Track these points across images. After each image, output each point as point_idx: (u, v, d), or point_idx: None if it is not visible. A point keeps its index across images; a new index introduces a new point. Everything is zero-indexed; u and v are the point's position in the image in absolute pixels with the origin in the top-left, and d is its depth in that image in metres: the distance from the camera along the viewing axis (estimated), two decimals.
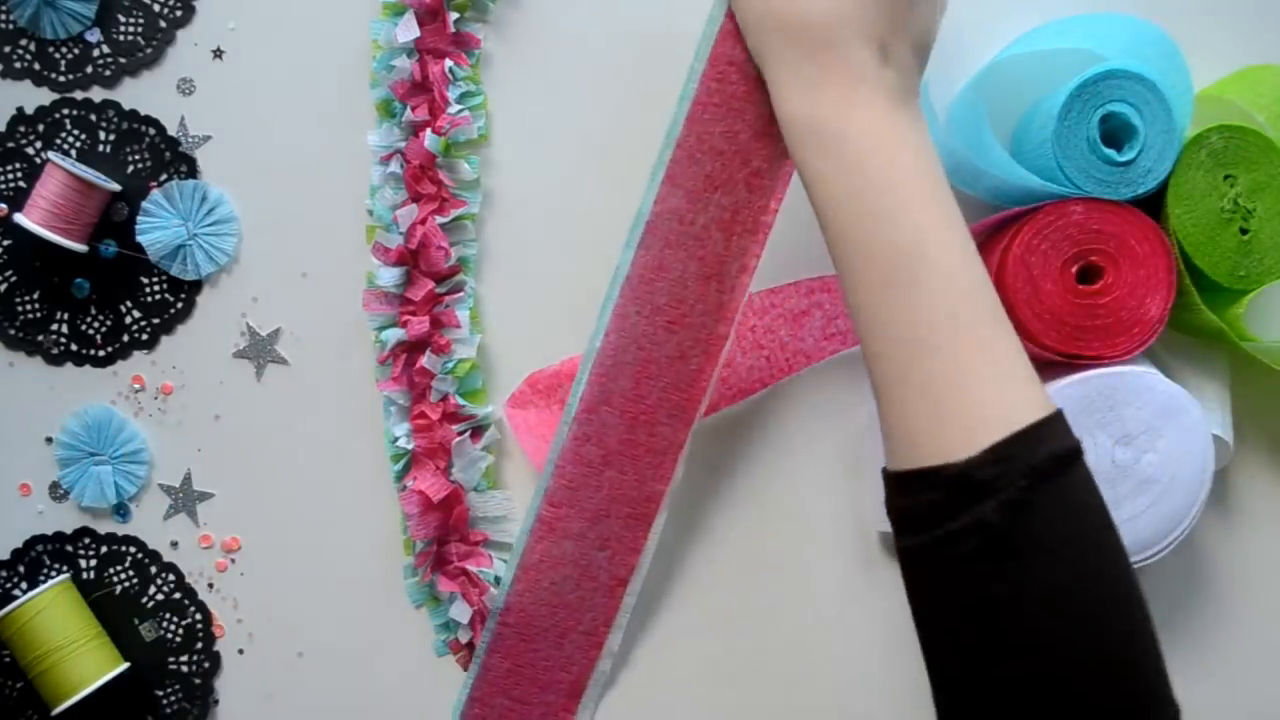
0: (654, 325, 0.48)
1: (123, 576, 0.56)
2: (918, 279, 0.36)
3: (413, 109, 0.53)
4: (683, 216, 0.46)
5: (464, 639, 0.55)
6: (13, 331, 0.56)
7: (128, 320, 0.56)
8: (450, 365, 0.54)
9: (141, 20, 0.55)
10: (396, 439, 0.54)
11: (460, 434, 0.54)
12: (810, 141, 0.38)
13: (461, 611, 0.54)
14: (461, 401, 0.54)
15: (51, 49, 0.55)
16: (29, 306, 0.56)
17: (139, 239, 0.55)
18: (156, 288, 0.56)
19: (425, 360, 0.53)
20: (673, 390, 0.49)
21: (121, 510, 0.56)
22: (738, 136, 0.45)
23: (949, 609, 0.35)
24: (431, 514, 0.53)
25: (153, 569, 0.56)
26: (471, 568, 0.54)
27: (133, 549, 0.56)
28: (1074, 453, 0.35)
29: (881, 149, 0.37)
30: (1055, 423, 0.35)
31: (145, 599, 0.56)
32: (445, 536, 0.54)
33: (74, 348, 0.56)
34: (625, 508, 0.51)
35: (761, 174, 0.46)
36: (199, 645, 0.56)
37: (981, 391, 0.35)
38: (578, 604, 0.52)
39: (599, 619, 0.52)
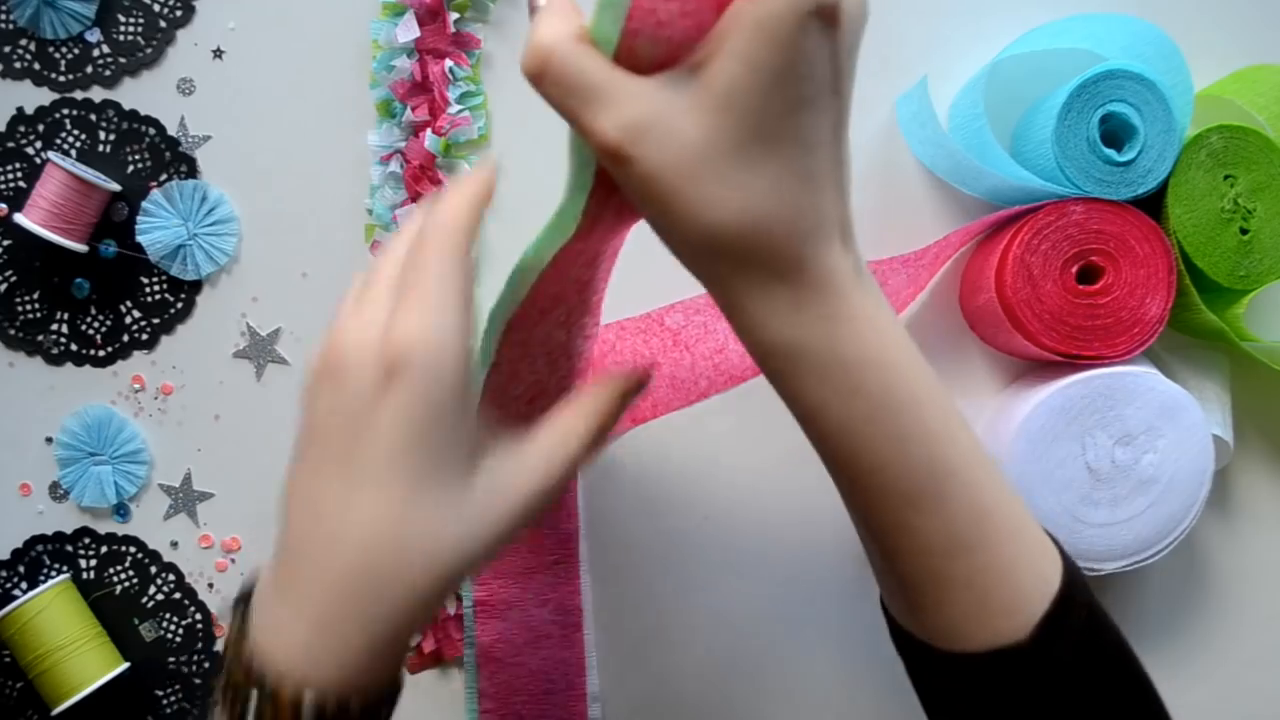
0: (519, 406, 0.46)
1: (123, 576, 0.56)
2: (944, 491, 0.33)
3: (413, 109, 0.53)
4: (524, 341, 0.45)
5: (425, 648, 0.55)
6: (13, 331, 0.56)
7: (128, 320, 0.56)
8: None
9: (141, 20, 0.55)
10: None
11: None
12: (802, 371, 0.33)
13: None
14: None
15: (51, 49, 0.55)
16: (29, 306, 0.56)
17: (139, 239, 0.55)
18: (156, 288, 0.56)
19: None
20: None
21: (121, 510, 0.56)
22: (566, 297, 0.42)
23: None
24: None
25: (153, 569, 0.56)
26: None
27: (133, 549, 0.56)
28: (1089, 593, 0.36)
29: (879, 362, 0.32)
30: (1072, 571, 0.35)
31: (145, 599, 0.56)
32: None
33: (74, 348, 0.56)
34: (547, 556, 0.51)
35: (589, 284, 0.42)
36: (199, 645, 0.56)
37: (1021, 575, 0.34)
38: (545, 666, 0.52)
39: (572, 670, 0.53)
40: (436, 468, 0.32)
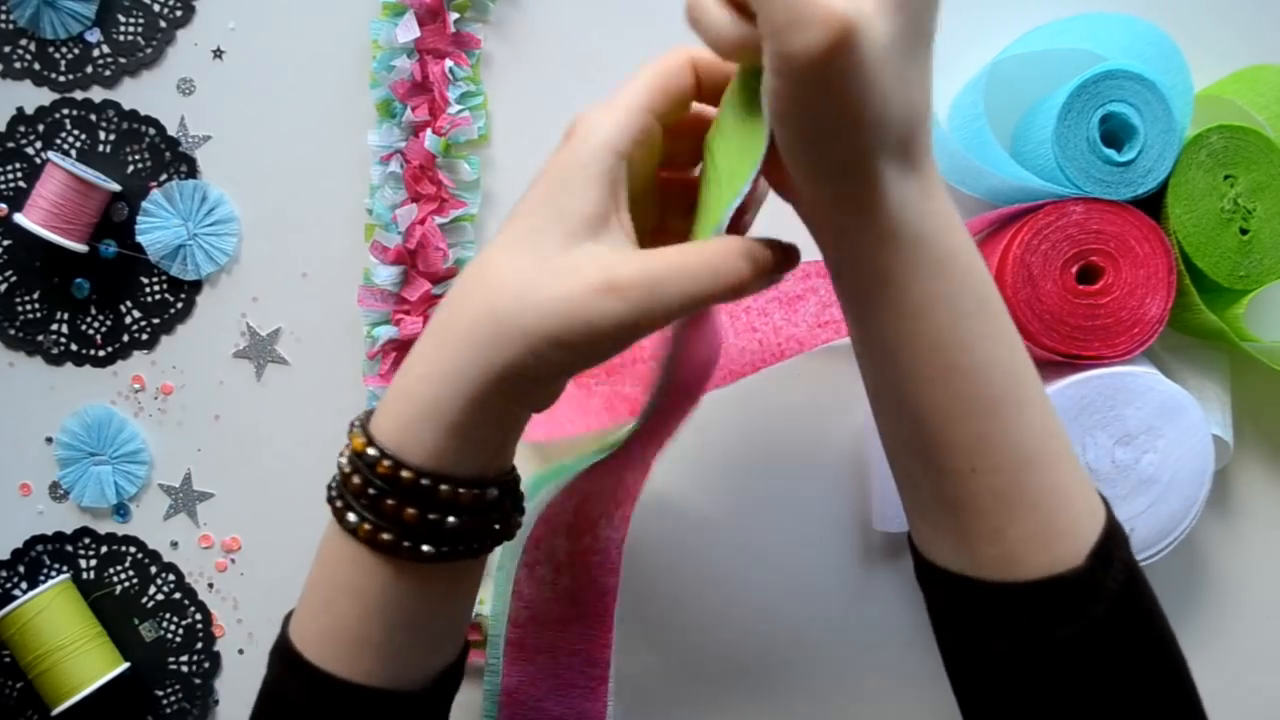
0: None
1: (123, 576, 0.56)
2: (1022, 399, 0.34)
3: (413, 109, 0.53)
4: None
5: None
6: (13, 331, 0.56)
7: (128, 320, 0.56)
8: None
9: (141, 20, 0.55)
10: None
11: None
12: (924, 261, 0.33)
13: None
14: None
15: (51, 49, 0.55)
16: (29, 306, 0.56)
17: (139, 239, 0.55)
18: (156, 288, 0.56)
19: None
20: (607, 498, 0.49)
21: (121, 510, 0.56)
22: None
23: (1049, 709, 0.35)
24: None
25: (153, 569, 0.56)
26: None
27: (133, 549, 0.56)
28: (1123, 530, 0.37)
29: (977, 260, 0.34)
30: (1107, 500, 0.37)
31: (145, 599, 0.56)
32: None
33: (74, 348, 0.56)
34: (585, 609, 0.51)
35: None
36: (199, 645, 0.56)
37: (1078, 497, 0.35)
38: (568, 715, 0.52)
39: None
40: (553, 220, 0.34)
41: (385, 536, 0.34)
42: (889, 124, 0.32)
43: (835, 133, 0.32)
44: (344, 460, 0.35)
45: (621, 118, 0.35)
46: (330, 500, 0.36)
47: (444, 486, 0.34)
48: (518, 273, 0.33)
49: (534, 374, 0.33)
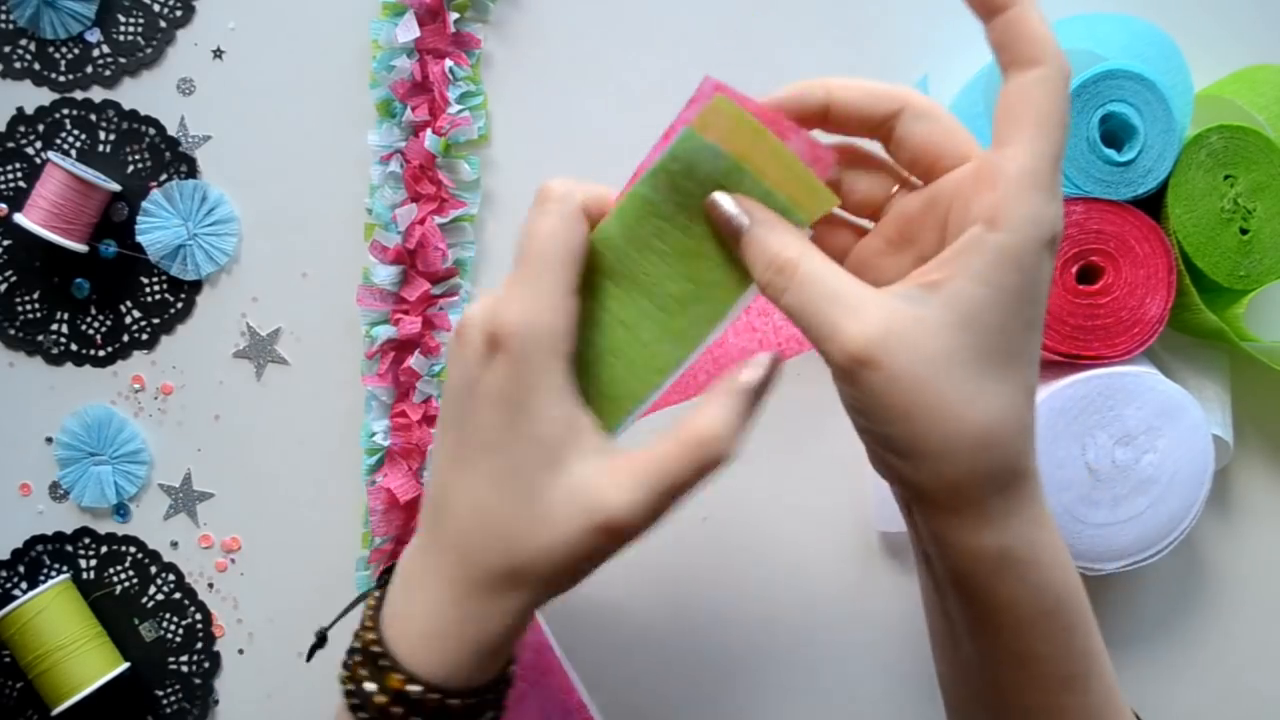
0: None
1: (123, 576, 0.56)
2: (1091, 672, 0.36)
3: (413, 109, 0.53)
4: None
5: None
6: (13, 331, 0.56)
7: (128, 320, 0.56)
8: (438, 369, 0.54)
9: (141, 20, 0.55)
10: (373, 434, 0.54)
11: None
12: (1004, 573, 0.33)
13: None
14: None
15: (51, 49, 0.55)
16: (29, 306, 0.56)
17: (139, 239, 0.55)
18: (156, 288, 0.56)
19: (413, 360, 0.53)
20: None
21: (121, 510, 0.56)
22: None
23: None
24: (395, 513, 0.54)
25: (153, 569, 0.56)
26: None
27: (133, 549, 0.56)
28: None
29: (1062, 561, 0.34)
30: None
31: (145, 599, 0.56)
32: (405, 537, 0.54)
33: (74, 348, 0.56)
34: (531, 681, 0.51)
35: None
36: (199, 645, 0.56)
37: None
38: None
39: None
40: (529, 454, 0.33)
41: None
42: (958, 443, 0.31)
43: (891, 441, 0.32)
44: (385, 694, 0.34)
45: (552, 319, 0.33)
46: (357, 712, 0.35)
47: (455, 700, 0.34)
48: (517, 520, 0.33)
49: (545, 598, 0.34)
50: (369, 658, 0.35)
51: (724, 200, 0.33)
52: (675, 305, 0.34)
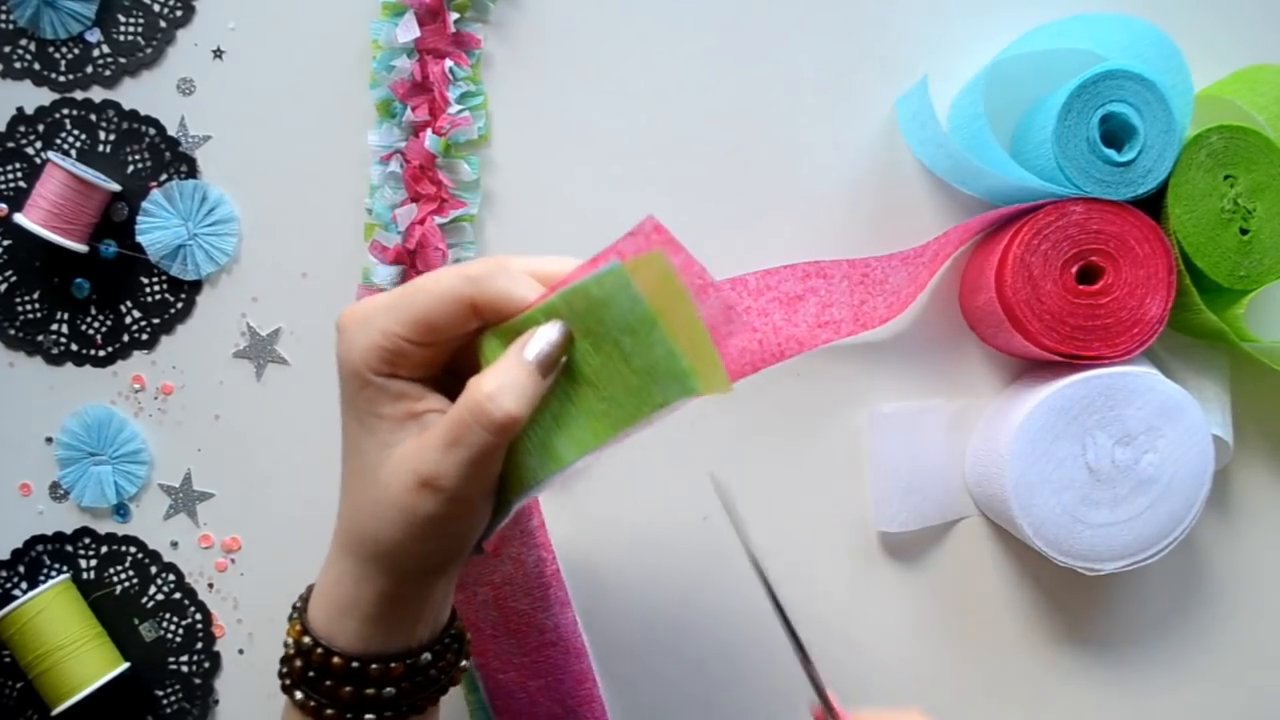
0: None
1: (123, 576, 0.56)
2: None
3: (413, 109, 0.53)
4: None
5: None
6: (13, 331, 0.56)
7: (128, 320, 0.56)
8: None
9: (141, 20, 0.55)
10: None
11: None
12: None
13: None
14: None
15: (51, 49, 0.55)
16: (29, 306, 0.56)
17: (139, 239, 0.55)
18: (156, 288, 0.56)
19: None
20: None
21: (121, 510, 0.56)
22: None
23: None
24: None
25: (153, 569, 0.56)
26: None
27: (133, 549, 0.56)
28: None
29: None
30: None
31: (145, 599, 0.56)
32: None
33: (74, 348, 0.56)
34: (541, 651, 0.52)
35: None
36: (199, 645, 0.56)
37: None
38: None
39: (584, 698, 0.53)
40: (366, 433, 0.37)
41: (329, 712, 0.38)
42: None
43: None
44: (289, 642, 0.39)
45: (369, 339, 0.36)
46: (280, 676, 0.39)
47: (374, 666, 0.37)
48: (359, 489, 0.37)
49: (412, 567, 0.37)
50: (293, 610, 0.40)
51: None
52: (552, 422, 0.36)
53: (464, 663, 0.42)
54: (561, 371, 0.36)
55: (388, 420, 0.37)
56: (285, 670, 0.39)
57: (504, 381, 0.35)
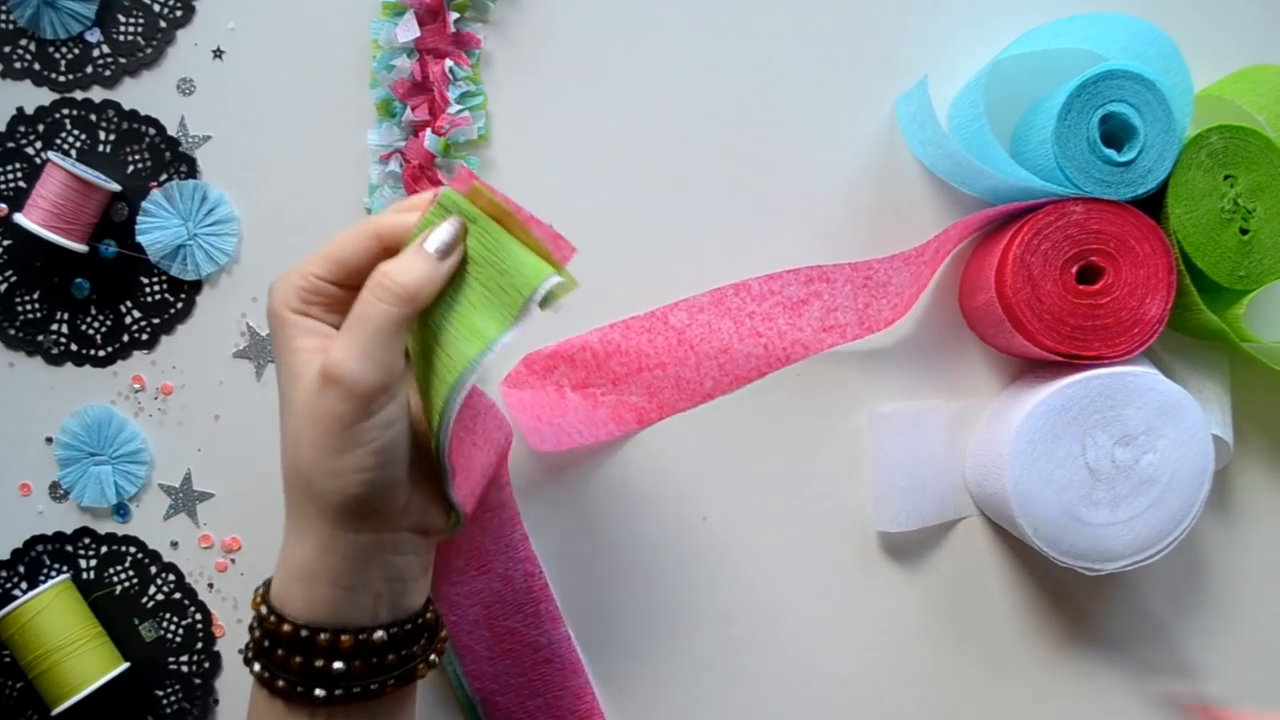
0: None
1: (123, 576, 0.56)
2: None
3: (413, 109, 0.53)
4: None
5: None
6: (13, 331, 0.56)
7: (128, 320, 0.56)
8: None
9: (141, 20, 0.55)
10: None
11: None
12: None
13: None
14: None
15: (51, 49, 0.55)
16: (29, 306, 0.56)
17: (139, 239, 0.55)
18: (156, 288, 0.56)
19: None
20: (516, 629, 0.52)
21: (121, 510, 0.56)
22: None
23: None
24: None
25: (153, 569, 0.56)
26: None
27: (133, 549, 0.56)
28: None
29: None
30: None
31: (145, 599, 0.56)
32: None
33: (74, 348, 0.56)
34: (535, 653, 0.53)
35: None
36: (199, 645, 0.56)
37: None
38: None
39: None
40: (285, 372, 0.40)
41: (280, 683, 0.38)
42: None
43: None
44: (252, 616, 0.40)
45: (289, 281, 0.40)
46: (241, 651, 0.41)
47: (322, 635, 0.38)
48: (283, 427, 0.40)
49: (341, 502, 0.38)
50: (260, 585, 0.41)
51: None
52: (469, 307, 0.39)
53: (433, 657, 0.42)
54: (466, 262, 0.40)
55: (302, 354, 0.39)
56: (248, 643, 0.40)
57: (404, 263, 0.38)
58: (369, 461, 0.38)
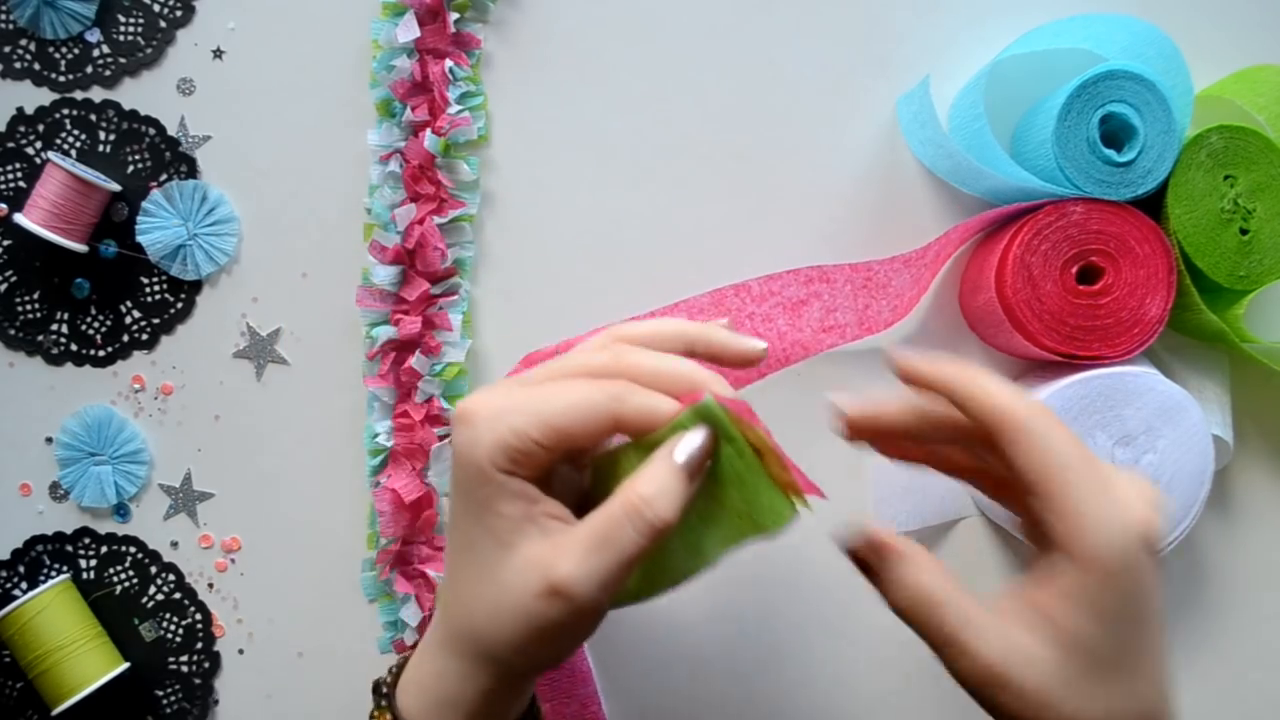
0: None
1: (123, 576, 0.56)
2: None
3: (413, 109, 0.53)
4: None
5: (409, 640, 0.55)
6: (13, 331, 0.56)
7: (128, 320, 0.56)
8: (439, 368, 0.54)
9: (141, 20, 0.55)
10: (376, 435, 0.54)
11: (441, 438, 0.54)
12: None
13: (412, 614, 0.54)
14: (446, 405, 0.54)
15: (51, 49, 0.55)
16: (29, 306, 0.56)
17: (139, 239, 0.55)
18: (156, 288, 0.56)
19: (414, 361, 0.53)
20: None
21: (121, 510, 0.56)
22: None
23: None
24: (402, 513, 0.54)
25: (153, 569, 0.56)
26: (431, 572, 0.54)
27: (133, 549, 0.56)
28: None
29: None
30: None
31: (145, 599, 0.56)
32: (411, 537, 0.54)
33: (74, 348, 0.56)
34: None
35: None
36: (199, 645, 0.56)
37: None
38: None
39: None
40: (484, 533, 0.36)
41: None
42: None
43: None
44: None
45: (499, 435, 0.35)
46: None
47: None
48: (473, 589, 0.36)
49: (522, 669, 0.37)
50: (376, 690, 0.39)
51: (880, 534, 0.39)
52: (699, 521, 0.37)
53: None
54: (706, 475, 0.37)
55: (507, 519, 0.35)
56: None
57: (660, 486, 0.35)
58: (569, 647, 0.38)
